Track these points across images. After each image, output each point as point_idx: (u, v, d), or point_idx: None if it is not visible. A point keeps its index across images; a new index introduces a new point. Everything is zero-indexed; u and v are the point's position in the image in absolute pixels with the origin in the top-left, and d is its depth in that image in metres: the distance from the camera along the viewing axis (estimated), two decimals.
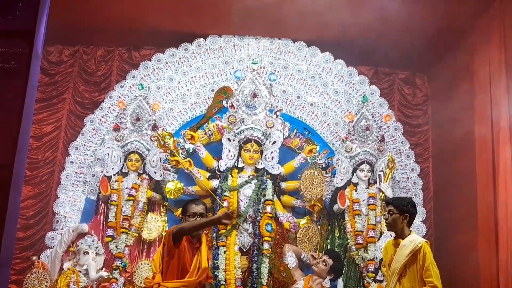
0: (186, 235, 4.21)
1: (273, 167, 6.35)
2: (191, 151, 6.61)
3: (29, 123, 3.28)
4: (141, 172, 6.41)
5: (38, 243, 6.75)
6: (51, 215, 6.78)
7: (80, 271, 5.83)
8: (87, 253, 5.86)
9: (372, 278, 5.99)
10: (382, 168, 6.36)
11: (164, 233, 5.97)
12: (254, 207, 6.13)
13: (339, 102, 7.03)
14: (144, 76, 6.99)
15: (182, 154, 6.49)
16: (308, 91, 7.06)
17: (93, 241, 5.95)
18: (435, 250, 5.12)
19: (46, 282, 5.77)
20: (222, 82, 6.96)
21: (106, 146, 6.47)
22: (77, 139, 6.81)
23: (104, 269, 5.92)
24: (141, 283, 5.99)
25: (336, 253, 5.84)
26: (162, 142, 6.16)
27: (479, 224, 6.07)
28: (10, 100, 3.08)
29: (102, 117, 6.86)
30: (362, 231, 6.17)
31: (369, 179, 6.43)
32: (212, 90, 6.85)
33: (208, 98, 6.89)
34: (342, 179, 6.38)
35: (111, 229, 6.10)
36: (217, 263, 5.82)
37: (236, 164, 6.35)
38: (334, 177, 6.47)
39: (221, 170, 6.33)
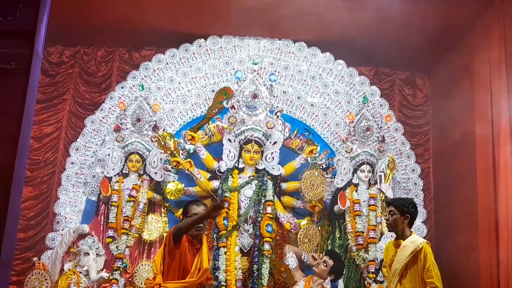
0: (184, 234, 4.21)
1: (273, 168, 6.34)
2: (191, 151, 6.62)
3: (30, 124, 3.27)
4: (142, 173, 6.41)
5: (38, 244, 6.76)
6: (51, 216, 6.79)
7: (80, 272, 5.83)
8: (88, 254, 5.86)
9: (372, 279, 5.99)
10: (383, 169, 6.35)
11: (164, 234, 5.98)
12: (255, 207, 6.13)
13: (339, 103, 7.04)
14: (145, 76, 7.00)
15: (182, 155, 6.49)
16: (308, 91, 7.06)
17: (93, 242, 5.95)
18: (435, 251, 5.11)
19: (47, 283, 5.77)
20: (222, 82, 6.96)
21: (106, 147, 6.47)
22: (78, 140, 6.82)
23: (104, 270, 5.92)
24: (141, 284, 6.00)
25: (336, 254, 5.83)
26: (162, 143, 6.16)
27: (479, 224, 6.07)
28: (10, 101, 3.08)
29: (103, 117, 6.87)
30: (363, 232, 6.16)
31: (369, 179, 6.43)
32: (213, 91, 6.86)
33: (209, 98, 6.89)
34: (342, 180, 6.37)
35: (112, 230, 6.10)
36: (217, 264, 5.82)
37: (236, 164, 6.35)
38: (334, 177, 6.47)
39: (222, 170, 6.33)
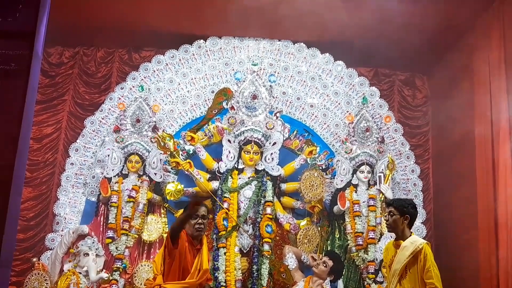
0: (178, 233, 4.20)
1: (273, 169, 6.34)
2: (191, 152, 6.62)
3: (29, 124, 3.27)
4: (141, 173, 6.41)
5: (38, 245, 6.76)
6: (51, 216, 6.79)
7: (80, 273, 5.83)
8: (87, 254, 5.86)
9: (372, 279, 5.99)
10: (382, 170, 6.35)
11: (164, 235, 5.99)
12: (254, 208, 6.13)
13: (339, 104, 7.04)
14: (144, 77, 7.00)
15: (182, 155, 6.50)
16: (308, 92, 7.07)
17: (93, 242, 5.94)
18: (435, 251, 5.13)
19: (46, 283, 5.76)
20: (222, 83, 6.96)
21: (106, 147, 6.47)
22: (77, 141, 6.82)
23: (104, 270, 5.92)
24: (141, 284, 6.00)
25: (336, 255, 5.83)
26: (162, 144, 6.16)
27: (479, 224, 6.07)
28: (10, 102, 3.08)
29: (102, 118, 6.87)
30: (362, 233, 6.16)
31: (369, 180, 6.43)
32: (212, 92, 6.85)
33: (208, 99, 6.89)
34: (342, 181, 6.38)
35: (111, 231, 6.10)
36: (217, 264, 5.81)
37: (236, 165, 6.35)
38: (334, 178, 6.47)
39: (221, 171, 6.33)
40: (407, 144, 7.04)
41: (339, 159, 6.50)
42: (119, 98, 6.91)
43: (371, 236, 6.10)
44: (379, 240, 6.10)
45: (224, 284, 5.76)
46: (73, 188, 6.66)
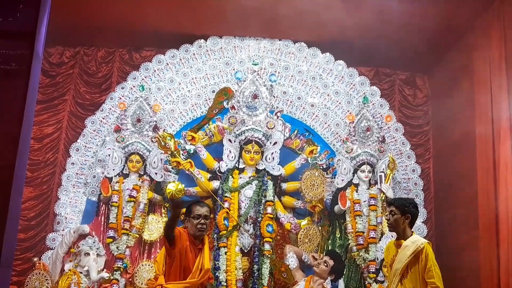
0: (170, 234, 4.20)
1: (274, 168, 6.34)
2: (192, 152, 6.62)
3: (30, 124, 3.27)
4: (142, 173, 6.42)
5: (39, 244, 6.77)
6: (52, 216, 6.79)
7: (81, 272, 5.83)
8: (88, 254, 5.86)
9: (373, 279, 5.99)
10: (383, 169, 6.35)
11: None
12: (255, 208, 6.13)
13: (339, 103, 7.04)
14: (145, 77, 7.00)
15: (183, 155, 6.50)
16: (308, 92, 7.06)
17: (94, 242, 5.95)
18: (436, 250, 5.12)
19: (47, 283, 5.77)
20: (222, 83, 6.97)
21: (107, 147, 6.47)
22: (78, 141, 6.82)
23: (105, 270, 5.92)
24: (142, 284, 6.00)
25: (337, 254, 5.83)
26: (163, 143, 6.16)
27: (480, 223, 6.07)
28: (11, 102, 3.07)
29: (103, 118, 6.87)
30: (363, 232, 6.17)
31: (370, 180, 6.43)
32: (213, 91, 6.86)
33: (209, 99, 6.89)
34: (343, 180, 6.38)
35: (112, 230, 6.11)
36: (218, 264, 5.82)
37: (237, 165, 6.35)
38: (335, 178, 6.47)
39: (222, 171, 6.33)
40: (407, 143, 7.04)
41: (340, 158, 6.50)
42: (120, 98, 6.91)
43: (372, 236, 6.10)
44: (380, 240, 6.10)
45: (225, 284, 5.76)
46: (74, 187, 6.67)
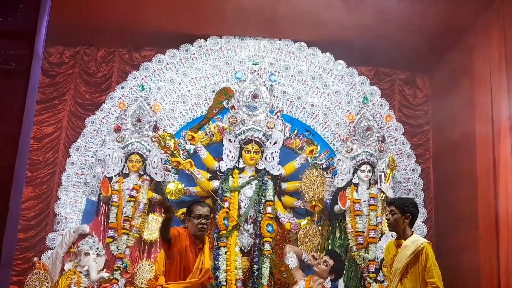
0: (165, 237, 4.22)
1: (273, 168, 6.34)
2: (192, 152, 6.62)
3: (30, 124, 3.27)
4: (142, 173, 6.41)
5: (39, 244, 6.77)
6: (52, 216, 6.79)
7: (81, 272, 5.83)
8: (88, 254, 5.86)
9: (373, 279, 5.99)
10: (383, 169, 6.35)
11: None
12: (255, 207, 6.13)
13: (339, 103, 7.04)
14: (145, 77, 7.00)
15: (183, 155, 6.50)
16: (308, 91, 7.06)
17: (94, 242, 5.95)
18: (435, 250, 5.11)
19: (47, 283, 5.77)
20: (222, 83, 6.97)
21: (107, 147, 6.47)
22: (78, 140, 6.82)
23: (105, 270, 5.91)
24: (142, 283, 6.00)
25: (337, 254, 5.84)
26: (163, 143, 6.15)
27: (479, 223, 6.07)
28: (11, 101, 3.08)
29: (103, 118, 6.87)
30: (363, 232, 6.16)
31: (369, 179, 6.43)
32: (213, 91, 6.86)
33: (209, 99, 6.89)
34: (343, 180, 6.38)
35: (112, 230, 6.10)
36: (218, 263, 5.81)
37: (237, 164, 6.35)
38: (334, 177, 6.47)
39: (222, 170, 6.33)
40: (407, 143, 7.04)
41: (340, 158, 6.50)
42: (120, 98, 6.91)
43: (371, 235, 6.09)
44: (379, 239, 6.10)
45: (225, 283, 5.76)
46: (73, 187, 6.66)
